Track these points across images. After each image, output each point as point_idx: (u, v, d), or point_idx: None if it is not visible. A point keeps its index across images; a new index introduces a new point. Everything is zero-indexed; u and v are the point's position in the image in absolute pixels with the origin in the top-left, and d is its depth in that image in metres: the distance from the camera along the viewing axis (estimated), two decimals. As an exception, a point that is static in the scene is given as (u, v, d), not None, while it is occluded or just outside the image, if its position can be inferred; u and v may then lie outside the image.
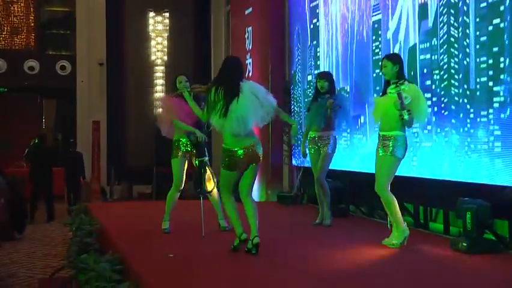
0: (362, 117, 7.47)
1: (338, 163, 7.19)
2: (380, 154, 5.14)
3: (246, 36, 10.59)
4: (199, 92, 5.37)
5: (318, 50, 8.90)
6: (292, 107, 9.78)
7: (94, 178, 13.58)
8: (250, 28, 10.52)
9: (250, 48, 10.41)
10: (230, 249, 4.87)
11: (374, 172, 5.23)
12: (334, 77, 6.80)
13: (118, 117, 14.92)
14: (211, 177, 5.85)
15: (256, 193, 9.66)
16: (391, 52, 6.29)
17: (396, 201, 5.09)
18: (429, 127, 5.96)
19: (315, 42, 9.00)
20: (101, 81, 14.63)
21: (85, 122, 14.49)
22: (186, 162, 5.96)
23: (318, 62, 8.86)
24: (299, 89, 9.66)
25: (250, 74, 10.16)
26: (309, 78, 9.21)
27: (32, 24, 14.85)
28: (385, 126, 5.12)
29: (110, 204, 11.63)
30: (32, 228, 9.77)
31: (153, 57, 14.94)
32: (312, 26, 9.13)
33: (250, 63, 10.26)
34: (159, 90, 14.77)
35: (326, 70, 7.93)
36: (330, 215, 6.56)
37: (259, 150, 4.83)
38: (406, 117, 4.82)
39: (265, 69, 9.97)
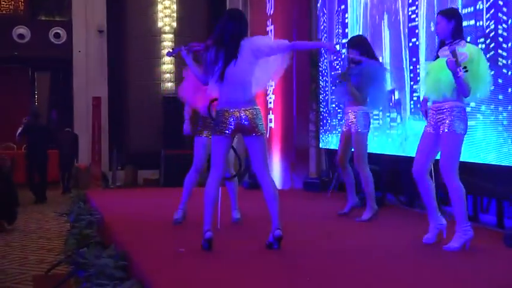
0: (397, 93, 7.50)
1: (369, 145, 7.17)
2: (433, 132, 4.94)
3: (267, -1, 10.70)
4: (198, 50, 5.41)
5: (346, 15, 8.97)
6: (321, 82, 9.86)
7: (94, 162, 13.76)
8: (272, -10, 10.56)
9: (271, 13, 10.48)
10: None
11: (416, 156, 5.10)
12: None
13: (121, 92, 15.14)
14: (235, 160, 5.95)
15: (278, 179, 9.74)
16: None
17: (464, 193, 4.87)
18: (472, 104, 5.87)
19: (343, 6, 9.07)
20: (101, 52, 14.83)
21: (83, 98, 14.73)
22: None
23: (347, 30, 8.93)
24: (325, 61, 9.70)
25: None
26: (336, 48, 9.18)
27: (21, -16, 14.97)
28: (439, 96, 4.89)
29: (113, 192, 11.77)
30: (25, 219, 9.88)
31: (160, 24, 15.02)
32: (340, -13, 9.33)
33: (271, 30, 10.32)
34: (167, 62, 14.90)
35: (357, 34, 7.87)
36: (372, 208, 6.46)
37: (258, 118, 4.92)
38: (461, 74, 4.57)
39: (288, 38, 9.82)
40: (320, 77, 9.81)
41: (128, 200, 8.43)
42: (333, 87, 6.56)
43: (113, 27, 14.85)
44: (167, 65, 14.90)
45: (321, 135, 9.93)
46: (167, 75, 14.89)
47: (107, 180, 14.05)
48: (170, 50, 5.83)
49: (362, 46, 6.54)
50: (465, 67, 4.58)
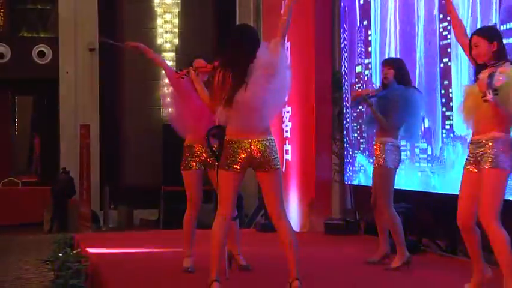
0: (427, 121, 7.53)
1: (399, 180, 7.24)
2: (475, 170, 4.89)
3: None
4: (204, 72, 5.59)
5: (369, 32, 9.03)
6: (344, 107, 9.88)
7: (82, 200, 13.66)
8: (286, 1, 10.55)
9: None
10: None
11: (453, 193, 5.20)
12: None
13: (115, 119, 15.11)
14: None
15: (296, 220, 9.74)
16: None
17: None
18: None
19: (365, 22, 9.13)
20: (92, 73, 14.83)
21: (70, 125, 14.73)
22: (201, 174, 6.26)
23: (370, 48, 8.99)
24: (345, 83, 9.80)
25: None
26: (358, 69, 9.32)
27: (0, -5, 15.11)
28: (479, 126, 4.89)
29: (105, 235, 11.69)
30: (1, 267, 9.81)
31: (160, 41, 15.05)
32: (362, 1, 9.29)
33: (287, 48, 10.38)
34: (168, 84, 14.65)
35: (395, 57, 7.99)
36: (403, 254, 6.43)
37: (272, 152, 4.98)
38: (489, 97, 4.52)
39: (307, 56, 10.04)
40: (343, 102, 9.87)
41: (122, 245, 8.39)
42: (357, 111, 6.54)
43: (106, 45, 14.42)
44: (169, 87, 14.75)
45: (345, 169, 9.89)
46: (168, 100, 14.64)
47: (98, 221, 13.97)
48: (178, 71, 5.93)
49: (396, 65, 6.67)
50: (495, 89, 4.54)
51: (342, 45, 9.83)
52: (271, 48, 4.97)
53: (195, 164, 6.19)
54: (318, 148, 9.89)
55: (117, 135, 15.15)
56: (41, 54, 15.02)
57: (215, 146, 5.42)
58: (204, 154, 6.15)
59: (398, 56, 8.04)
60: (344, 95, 9.80)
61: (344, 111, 9.77)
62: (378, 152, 6.55)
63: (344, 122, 9.78)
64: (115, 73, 15.12)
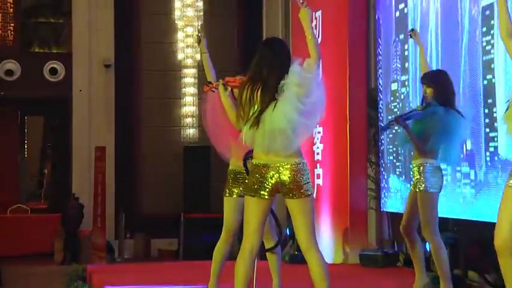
0: (469, 142, 7.50)
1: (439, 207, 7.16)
2: None
3: (313, 23, 10.79)
4: (234, 86, 5.60)
5: (406, 47, 9.07)
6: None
7: (96, 228, 13.63)
8: (319, 13, 10.69)
9: (318, 40, 10.19)
10: None
11: (498, 224, 5.04)
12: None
13: (131, 141, 15.14)
14: (275, 224, 6.09)
15: (328, 251, 9.73)
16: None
17: None
18: None
19: (401, 36, 9.19)
20: (108, 91, 14.87)
21: (84, 148, 14.74)
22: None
23: (407, 64, 9.03)
24: (380, 101, 9.81)
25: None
26: (394, 86, 9.36)
27: (11, 9, 15.10)
28: None
29: (120, 267, 11.74)
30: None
31: (181, 56, 14.99)
32: (398, 14, 9.34)
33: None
34: (189, 103, 14.86)
35: (437, 69, 7.86)
36: None
37: (304, 177, 5.00)
38: None
39: (340, 71, 10.10)
40: (379, 121, 9.88)
41: (139, 278, 8.40)
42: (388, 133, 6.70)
43: (122, 61, 14.84)
44: (189, 106, 14.83)
45: (382, 195, 9.91)
46: (189, 120, 14.82)
47: (112, 252, 13.92)
48: (208, 85, 6.00)
49: (438, 84, 6.60)
50: None
51: (377, 60, 9.85)
52: (306, 66, 4.98)
53: (237, 190, 6.20)
54: (352, 172, 9.89)
55: (134, 158, 15.15)
56: (53, 71, 15.05)
57: None
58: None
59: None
60: (379, 114, 9.78)
61: (380, 131, 9.74)
62: (417, 176, 6.51)
63: (380, 143, 9.77)
64: (132, 91, 15.11)
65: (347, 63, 9.90)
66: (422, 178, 6.47)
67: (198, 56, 14.73)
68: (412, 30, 7.39)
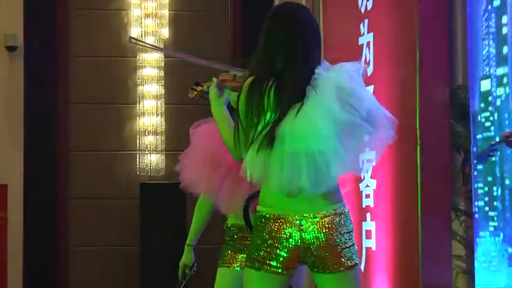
0: None
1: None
2: None
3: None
4: (234, 88, 5.53)
5: (504, 19, 8.70)
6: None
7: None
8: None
9: (368, 8, 9.83)
10: None
11: None
12: None
13: (51, 175, 13.75)
14: None
15: None
16: None
17: None
18: None
19: (496, 2, 8.84)
20: (12, 87, 13.72)
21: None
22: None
23: (506, 50, 8.66)
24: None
25: (369, 68, 9.54)
26: (485, 86, 9.03)
27: None
28: None
29: None
30: None
31: (136, 31, 13.78)
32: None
33: (367, 45, 9.67)
34: (150, 111, 13.62)
35: None
36: None
37: (344, 237, 4.92)
38: None
39: (403, 59, 9.11)
40: (472, 142, 9.42)
41: None
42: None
43: (35, 41, 13.73)
44: (151, 117, 13.49)
45: (476, 265, 9.19)
46: (150, 140, 13.53)
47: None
48: (195, 88, 6.24)
49: None
50: None
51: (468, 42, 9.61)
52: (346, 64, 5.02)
53: (240, 258, 6.44)
54: (426, 228, 8.78)
55: (55, 203, 13.78)
56: None
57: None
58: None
59: None
60: (471, 130, 9.41)
61: (477, 160, 9.28)
62: None
63: (473, 180, 9.41)
64: (53, 89, 13.84)
65: (415, 45, 8.80)
66: None
67: (165, 31, 14.07)
68: None
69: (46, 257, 13.92)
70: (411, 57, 8.94)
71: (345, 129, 4.83)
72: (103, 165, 13.93)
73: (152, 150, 13.73)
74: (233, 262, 6.42)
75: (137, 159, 13.69)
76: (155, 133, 13.80)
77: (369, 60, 9.60)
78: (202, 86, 6.12)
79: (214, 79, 5.66)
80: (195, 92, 6.18)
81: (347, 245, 4.91)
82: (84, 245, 13.93)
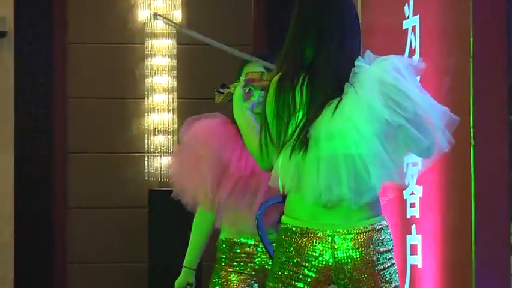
0: None
1: None
2: None
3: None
4: (264, 88, 5.48)
5: None
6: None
7: None
8: None
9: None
10: None
11: None
12: None
13: (47, 181, 13.55)
14: None
15: None
16: None
17: None
18: None
19: None
20: (1, 80, 13.55)
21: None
22: None
23: None
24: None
25: (414, 56, 9.28)
26: None
27: None
28: None
29: None
30: None
31: (143, 14, 13.47)
32: None
33: (413, 30, 9.45)
34: (161, 107, 13.36)
35: None
36: None
37: (383, 256, 4.80)
38: None
39: (459, 41, 8.70)
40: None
41: None
42: None
43: (28, 26, 13.52)
44: (161, 113, 13.26)
45: None
46: (160, 140, 13.31)
47: None
48: (221, 91, 6.20)
49: None
50: None
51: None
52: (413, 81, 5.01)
53: (236, 277, 6.50)
54: (480, 241, 8.54)
55: (50, 213, 13.50)
56: None
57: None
58: (260, 257, 6.45)
59: None
60: None
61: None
62: None
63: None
64: (49, 82, 13.53)
65: (469, 29, 8.45)
66: None
67: (177, 14, 13.61)
68: None
69: (41, 276, 13.48)
70: (464, 43, 8.56)
71: (388, 131, 4.74)
72: (106, 170, 13.46)
73: (163, 152, 13.33)
74: (229, 283, 6.44)
75: (146, 162, 13.21)
76: (167, 132, 13.36)
77: (414, 47, 9.16)
78: (229, 88, 6.07)
79: (242, 79, 5.75)
80: (222, 96, 6.12)
81: (386, 266, 4.81)
82: (84, 261, 13.46)
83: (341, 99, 4.73)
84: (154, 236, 12.81)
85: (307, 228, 4.83)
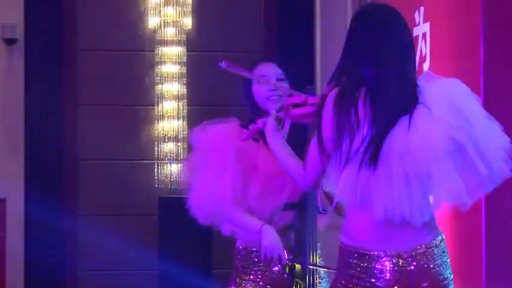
0: None
1: None
2: None
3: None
4: (302, 115, 5.51)
5: None
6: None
7: None
8: None
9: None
10: None
11: None
12: None
13: (56, 187, 13.48)
14: None
15: None
16: None
17: None
18: None
19: None
20: (11, 88, 13.48)
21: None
22: None
23: None
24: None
25: (425, 64, 9.34)
26: None
27: None
28: None
29: None
30: None
31: (154, 21, 13.51)
32: None
33: (423, 37, 9.52)
34: (170, 113, 13.27)
35: None
36: None
37: (447, 272, 4.88)
38: None
39: (470, 48, 8.60)
40: None
41: None
42: None
43: (38, 34, 13.51)
44: (171, 120, 13.16)
45: None
46: (170, 147, 13.33)
47: None
48: (252, 126, 6.27)
49: None
50: None
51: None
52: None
53: (255, 287, 6.45)
54: (491, 244, 8.36)
55: (60, 221, 13.36)
56: None
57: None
58: (277, 265, 6.39)
59: None
60: None
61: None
62: None
63: None
64: (59, 89, 13.42)
65: (480, 36, 8.42)
66: None
67: (189, 21, 13.63)
68: None
69: (52, 284, 13.57)
70: (474, 50, 8.45)
71: (456, 151, 4.75)
72: (116, 177, 13.51)
73: (173, 159, 13.35)
74: None
75: (156, 169, 13.28)
76: (176, 139, 13.35)
77: (425, 54, 9.22)
78: (257, 122, 6.07)
79: (274, 112, 5.77)
80: (251, 129, 6.09)
81: (451, 278, 4.92)
82: (95, 269, 13.46)
83: (411, 116, 4.76)
84: (163, 244, 12.87)
85: (368, 252, 4.84)
